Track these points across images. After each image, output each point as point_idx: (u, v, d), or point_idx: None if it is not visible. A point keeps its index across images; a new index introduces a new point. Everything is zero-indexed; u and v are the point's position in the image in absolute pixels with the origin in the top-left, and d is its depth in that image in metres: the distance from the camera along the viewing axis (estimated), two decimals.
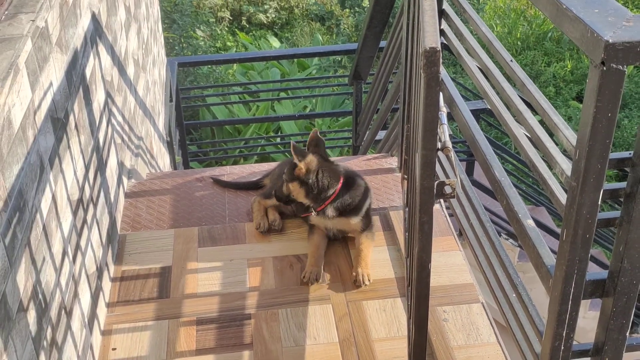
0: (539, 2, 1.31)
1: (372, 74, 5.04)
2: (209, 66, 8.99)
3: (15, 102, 1.74)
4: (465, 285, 2.58)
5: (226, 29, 11.60)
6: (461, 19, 2.59)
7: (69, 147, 2.21)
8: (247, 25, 11.77)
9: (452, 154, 1.81)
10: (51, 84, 2.06)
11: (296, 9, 11.98)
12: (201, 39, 10.44)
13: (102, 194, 2.64)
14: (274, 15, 11.84)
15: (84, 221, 2.35)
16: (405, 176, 2.84)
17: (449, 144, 1.64)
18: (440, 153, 1.69)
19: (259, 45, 10.65)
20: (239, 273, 2.71)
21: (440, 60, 1.50)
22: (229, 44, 11.17)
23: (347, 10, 11.17)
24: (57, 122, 2.10)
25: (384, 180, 3.23)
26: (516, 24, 10.66)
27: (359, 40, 4.27)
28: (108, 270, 2.66)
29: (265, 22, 11.76)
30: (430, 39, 1.50)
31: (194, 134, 8.18)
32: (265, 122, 7.24)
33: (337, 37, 10.98)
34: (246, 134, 7.47)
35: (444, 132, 1.65)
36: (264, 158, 7.59)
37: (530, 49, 10.29)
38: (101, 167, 2.65)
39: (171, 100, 5.17)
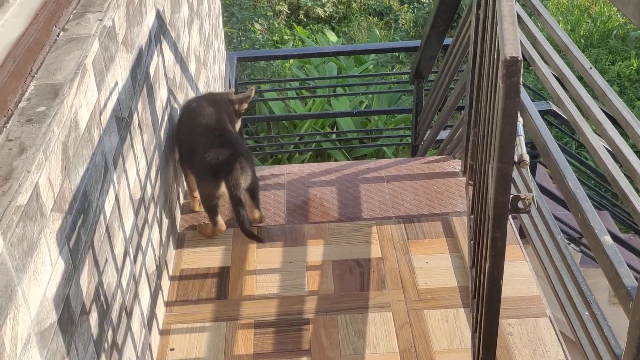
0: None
1: (434, 71, 4.95)
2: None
3: (82, 103, 1.73)
4: (532, 297, 2.49)
5: (284, 22, 11.60)
6: (534, 21, 2.49)
7: (132, 146, 2.20)
8: (305, 19, 11.73)
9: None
10: (117, 83, 2.05)
11: (354, 3, 11.89)
12: (259, 32, 10.44)
13: (162, 192, 2.62)
14: (331, 10, 11.77)
15: (145, 220, 2.34)
16: (471, 182, 2.76)
17: (526, 157, 1.56)
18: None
19: (315, 39, 10.60)
20: (297, 276, 2.68)
21: (521, 70, 1.42)
22: (286, 37, 11.16)
23: (406, 5, 11.04)
24: (122, 121, 2.08)
25: (447, 185, 3.15)
26: (580, 21, 10.38)
27: (421, 38, 4.18)
28: (167, 268, 2.65)
29: (322, 16, 11.71)
30: (511, 47, 1.43)
31: (250, 127, 8.17)
32: (321, 119, 7.17)
33: (395, 33, 10.86)
34: (301, 128, 7.43)
35: (521, 143, 1.57)
36: (319, 153, 7.54)
37: (594, 46, 10.00)
38: (162, 165, 2.64)
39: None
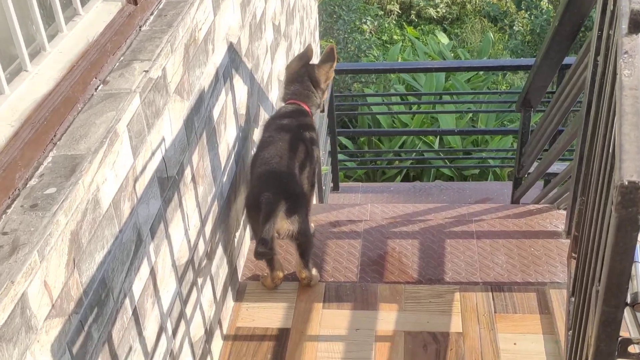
0: None
1: (545, 100, 4.50)
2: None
3: (107, 177, 1.49)
4: None
5: (394, 22, 11.24)
6: None
7: (180, 205, 1.96)
8: (416, 19, 11.33)
9: None
10: (162, 140, 1.81)
11: (468, 5, 11.38)
12: (367, 32, 10.14)
13: (221, 244, 2.39)
14: (444, 10, 11.31)
15: (194, 283, 2.10)
16: (574, 254, 2.37)
17: None
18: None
19: (425, 40, 10.19)
20: (364, 347, 2.38)
21: None
22: (395, 37, 10.81)
23: (523, 11, 10.43)
24: (167, 181, 1.85)
25: (546, 247, 2.76)
26: None
27: (532, 67, 3.76)
28: (221, 326, 2.42)
29: (434, 16, 11.27)
30: (632, 167, 1.08)
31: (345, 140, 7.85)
32: (424, 135, 6.80)
33: (510, 39, 10.28)
34: (397, 143, 7.08)
35: (637, 280, 1.21)
36: (420, 162, 7.16)
37: None
38: (223, 213, 2.40)
39: (322, 111, 4.88)
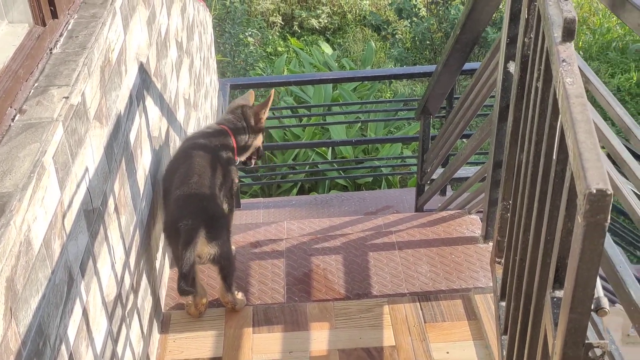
0: None
1: (443, 107, 4.59)
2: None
3: (37, 215, 1.37)
4: None
5: (277, 34, 11.26)
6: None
7: (106, 238, 1.84)
8: (299, 30, 11.40)
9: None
10: (86, 170, 1.69)
11: (349, 14, 11.56)
12: (252, 44, 10.10)
13: (144, 274, 2.27)
14: (326, 21, 11.44)
15: (122, 319, 1.98)
16: (498, 260, 2.41)
17: (606, 304, 1.22)
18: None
19: (310, 51, 10.26)
20: None
21: (611, 204, 1.08)
22: (279, 49, 10.83)
23: (404, 19, 10.70)
24: (92, 214, 1.73)
25: (466, 253, 2.80)
26: (578, 33, 10.05)
27: (432, 76, 3.83)
28: None
29: (317, 27, 11.37)
30: (597, 175, 1.08)
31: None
32: (321, 147, 6.82)
33: (393, 47, 10.52)
34: (291, 156, 7.07)
35: (597, 287, 1.23)
36: (314, 174, 7.16)
37: (593, 59, 9.68)
38: (144, 242, 2.28)
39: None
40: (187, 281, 2.14)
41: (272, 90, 2.86)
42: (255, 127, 2.68)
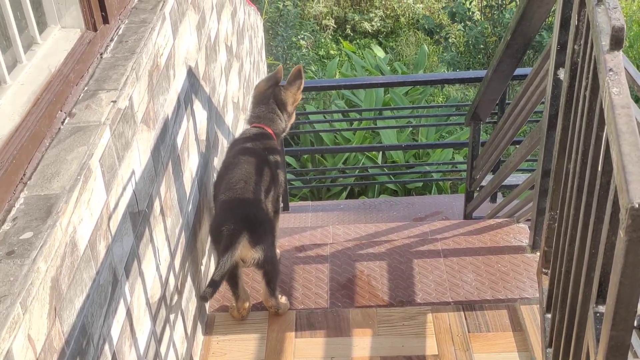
0: None
1: (494, 112, 4.53)
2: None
3: (83, 217, 1.40)
4: None
5: (330, 37, 11.29)
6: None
7: (151, 240, 1.87)
8: (352, 34, 11.41)
9: None
10: (132, 173, 1.72)
11: (402, 18, 11.53)
12: (304, 47, 10.15)
13: (189, 276, 2.30)
14: (379, 24, 11.42)
15: (166, 320, 2.01)
16: (545, 270, 2.37)
17: None
18: None
19: (362, 54, 10.25)
20: None
21: None
22: (332, 52, 10.85)
23: (457, 23, 10.61)
24: (138, 216, 1.76)
25: (513, 263, 2.76)
26: (639, 37, 9.80)
27: (482, 81, 3.79)
28: None
29: (370, 30, 11.36)
30: (639, 189, 1.06)
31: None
32: (371, 151, 6.80)
33: (446, 51, 10.44)
34: (341, 159, 7.07)
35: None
36: (363, 178, 7.16)
37: None
38: (190, 244, 2.31)
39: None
40: (215, 287, 2.13)
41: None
42: (290, 109, 2.64)
